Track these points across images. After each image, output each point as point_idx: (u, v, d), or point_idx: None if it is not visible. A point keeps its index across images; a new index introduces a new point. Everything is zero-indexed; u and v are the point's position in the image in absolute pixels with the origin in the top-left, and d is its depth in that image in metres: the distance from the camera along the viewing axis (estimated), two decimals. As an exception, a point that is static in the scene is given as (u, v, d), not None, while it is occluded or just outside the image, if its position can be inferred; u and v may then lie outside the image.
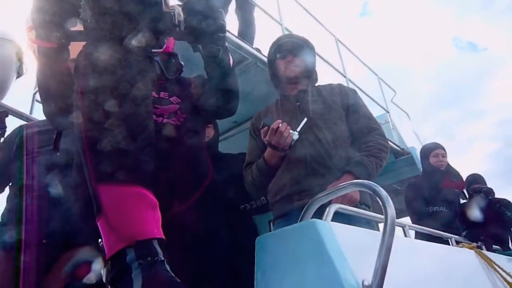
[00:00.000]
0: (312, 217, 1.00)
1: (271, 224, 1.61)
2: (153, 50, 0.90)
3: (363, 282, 0.83)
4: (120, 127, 0.72)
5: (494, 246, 2.64)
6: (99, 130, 0.73)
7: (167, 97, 1.26)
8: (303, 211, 1.07)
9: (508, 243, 3.48)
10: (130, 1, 0.79)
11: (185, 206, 1.15)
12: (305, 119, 1.54)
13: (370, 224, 1.41)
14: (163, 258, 0.65)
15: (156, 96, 1.23)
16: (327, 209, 1.10)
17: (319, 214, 1.06)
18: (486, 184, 3.69)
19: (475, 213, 3.43)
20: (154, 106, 1.17)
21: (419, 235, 2.20)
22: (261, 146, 1.66)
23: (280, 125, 1.46)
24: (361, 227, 1.16)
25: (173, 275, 0.61)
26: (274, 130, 1.46)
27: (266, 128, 1.48)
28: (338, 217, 1.10)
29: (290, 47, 1.75)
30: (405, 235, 1.47)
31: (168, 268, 0.63)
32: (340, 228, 0.97)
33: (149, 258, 0.65)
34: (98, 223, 0.72)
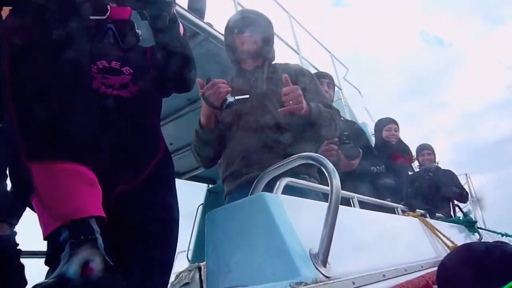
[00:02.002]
0: (263, 191, 1.01)
1: (225, 199, 1.61)
2: (94, 17, 0.84)
3: (310, 251, 0.85)
4: (50, 100, 0.67)
5: (437, 214, 2.81)
6: (28, 105, 0.67)
7: (118, 67, 1.17)
8: (253, 185, 1.07)
9: (450, 211, 3.74)
10: None
11: (133, 184, 1.10)
12: (247, 96, 1.52)
13: (319, 196, 1.45)
14: (97, 236, 0.63)
15: (107, 65, 1.13)
16: (277, 183, 1.11)
17: (271, 188, 1.08)
18: (434, 154, 3.92)
19: (421, 185, 3.65)
20: (104, 76, 1.10)
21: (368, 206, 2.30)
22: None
23: (220, 80, 1.45)
24: (313, 200, 1.18)
25: (104, 254, 0.58)
26: (212, 84, 1.45)
27: (206, 81, 1.47)
28: (293, 190, 1.12)
29: (248, 22, 1.72)
30: (353, 206, 1.52)
31: (102, 247, 0.61)
32: (289, 201, 0.98)
33: (82, 237, 0.63)
34: (33, 203, 0.68)
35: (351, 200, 1.59)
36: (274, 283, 0.67)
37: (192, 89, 1.34)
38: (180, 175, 4.62)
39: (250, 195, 1.01)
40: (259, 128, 1.51)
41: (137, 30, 1.25)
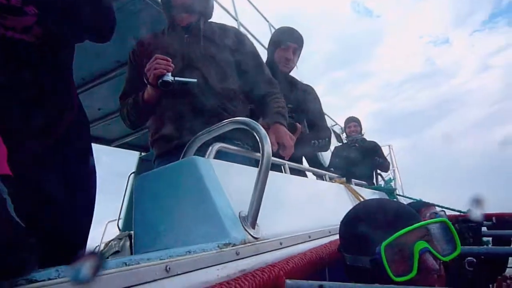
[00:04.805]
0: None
1: (154, 163, 1.55)
2: None
3: (240, 214, 0.86)
4: None
5: (361, 181, 3.01)
6: None
7: (20, 5, 0.96)
8: (184, 149, 1.05)
9: (373, 180, 4.03)
10: None
11: (42, 145, 0.98)
12: (195, 80, 1.43)
13: (253, 164, 1.46)
14: (6, 197, 0.57)
15: (5, 2, 0.93)
16: (210, 147, 1.10)
17: (203, 154, 1.07)
18: (361, 126, 4.16)
19: (348, 154, 3.87)
20: (2, 16, 0.94)
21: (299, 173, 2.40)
22: (141, 76, 1.49)
23: (162, 57, 1.36)
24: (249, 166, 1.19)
25: (14, 216, 0.53)
26: (154, 58, 1.35)
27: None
28: (227, 157, 1.12)
29: None
30: (284, 173, 1.56)
31: (12, 208, 0.56)
32: (221, 165, 0.98)
33: None
34: None
35: (282, 166, 1.64)
36: (202, 245, 0.67)
37: (109, 40, 1.17)
38: (110, 142, 4.41)
39: (181, 159, 0.99)
40: (191, 92, 1.46)
41: None
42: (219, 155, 1.09)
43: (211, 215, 0.81)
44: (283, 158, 1.50)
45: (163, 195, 0.92)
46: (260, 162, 0.88)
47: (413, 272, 0.72)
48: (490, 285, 1.66)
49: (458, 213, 2.37)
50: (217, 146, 1.12)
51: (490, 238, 2.03)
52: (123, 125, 1.67)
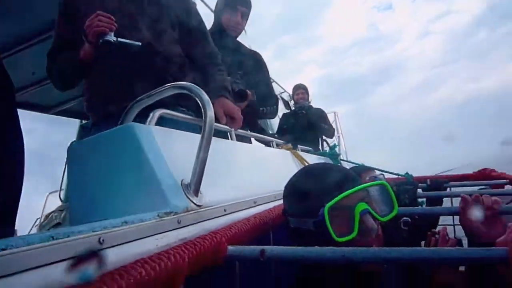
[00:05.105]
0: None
1: (90, 130, 1.46)
2: None
3: (182, 181, 0.84)
4: None
5: (307, 147, 3.08)
6: None
7: None
8: (122, 114, 0.99)
9: (319, 146, 4.14)
10: None
11: None
12: (139, 44, 1.31)
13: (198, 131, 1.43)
14: None
15: None
16: (151, 114, 1.05)
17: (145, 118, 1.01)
18: (308, 93, 4.21)
19: (296, 121, 3.93)
20: None
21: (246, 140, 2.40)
22: (75, 29, 1.37)
23: (104, 14, 1.24)
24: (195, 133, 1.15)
25: None
26: (95, 14, 1.24)
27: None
28: (173, 124, 1.07)
29: None
30: (230, 139, 1.54)
31: None
32: (162, 132, 0.94)
33: None
34: None
35: (228, 133, 1.62)
36: (140, 215, 0.65)
37: None
38: (48, 109, 4.11)
39: (119, 125, 0.93)
40: (132, 54, 1.36)
41: None
42: (164, 122, 1.04)
43: (151, 183, 0.78)
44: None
45: (99, 164, 0.87)
46: (202, 127, 0.86)
47: (354, 232, 0.75)
48: (422, 242, 1.79)
49: (396, 176, 2.51)
50: (159, 112, 1.07)
51: (425, 199, 2.18)
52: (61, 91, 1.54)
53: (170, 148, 0.91)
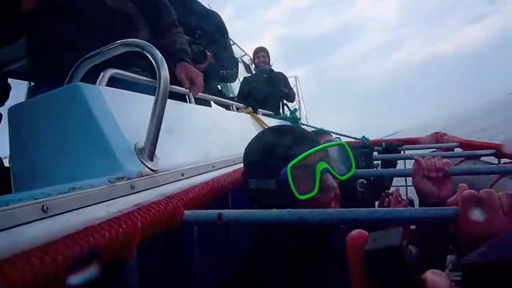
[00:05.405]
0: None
1: (34, 92, 1.35)
2: None
3: (135, 145, 0.80)
4: None
5: (267, 111, 3.07)
6: None
7: None
8: (69, 73, 0.92)
9: (279, 110, 4.15)
10: None
11: None
12: None
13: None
14: None
15: None
16: (102, 73, 0.99)
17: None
18: (269, 56, 4.16)
19: (256, 85, 3.89)
20: None
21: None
22: None
23: None
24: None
25: None
26: None
27: None
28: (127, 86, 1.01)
29: None
30: (189, 102, 1.50)
31: None
32: (113, 93, 0.88)
33: None
34: None
35: (187, 96, 1.57)
36: (89, 180, 0.61)
37: None
38: (-10, 70, 3.79)
39: (65, 85, 0.86)
40: (80, 7, 1.24)
41: None
42: (118, 85, 0.98)
43: (101, 148, 0.73)
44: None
45: (43, 127, 0.80)
46: (156, 88, 0.81)
47: (315, 190, 0.78)
48: (376, 203, 1.87)
49: (353, 140, 2.58)
50: (110, 72, 1.01)
51: (380, 162, 2.26)
52: (7, 50, 1.40)
53: (123, 110, 0.85)
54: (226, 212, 0.67)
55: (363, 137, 3.08)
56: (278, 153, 0.81)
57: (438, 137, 2.57)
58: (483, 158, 1.86)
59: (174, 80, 1.42)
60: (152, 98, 0.82)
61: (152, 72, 1.43)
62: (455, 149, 2.23)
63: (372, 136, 2.58)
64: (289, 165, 0.76)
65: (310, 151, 0.79)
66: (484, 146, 2.02)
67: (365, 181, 1.91)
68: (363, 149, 2.04)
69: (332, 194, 0.82)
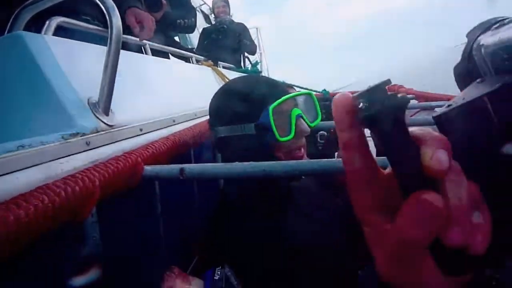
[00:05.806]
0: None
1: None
2: None
3: (89, 99, 0.75)
4: None
5: (228, 64, 3.00)
6: None
7: None
8: (9, 22, 0.84)
9: (240, 63, 4.07)
10: None
11: None
12: None
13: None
14: None
15: None
16: (47, 22, 0.91)
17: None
18: (229, 7, 4.00)
19: (216, 36, 3.76)
20: None
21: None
22: None
23: None
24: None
25: None
26: None
27: None
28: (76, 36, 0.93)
29: None
30: (145, 54, 1.42)
31: None
32: (60, 43, 0.81)
33: None
34: None
35: (143, 47, 1.49)
36: (40, 137, 0.57)
37: None
38: None
39: (5, 34, 0.79)
40: None
41: None
42: (68, 35, 0.90)
43: (50, 102, 0.68)
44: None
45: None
46: (109, 40, 0.75)
47: (292, 134, 0.80)
48: (336, 153, 1.93)
49: (314, 93, 2.59)
50: (56, 20, 0.93)
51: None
52: None
53: (72, 61, 0.79)
54: (188, 166, 0.66)
55: (324, 90, 3.11)
56: (255, 97, 0.82)
57: (395, 89, 2.64)
58: (437, 109, 1.94)
59: (129, 32, 1.33)
60: (104, 48, 0.76)
61: (103, 21, 1.35)
62: (411, 101, 2.31)
63: (330, 88, 2.61)
64: (271, 107, 0.77)
65: (291, 95, 0.82)
66: (438, 97, 2.12)
67: (326, 133, 1.95)
68: (323, 102, 2.06)
69: (304, 140, 0.85)
